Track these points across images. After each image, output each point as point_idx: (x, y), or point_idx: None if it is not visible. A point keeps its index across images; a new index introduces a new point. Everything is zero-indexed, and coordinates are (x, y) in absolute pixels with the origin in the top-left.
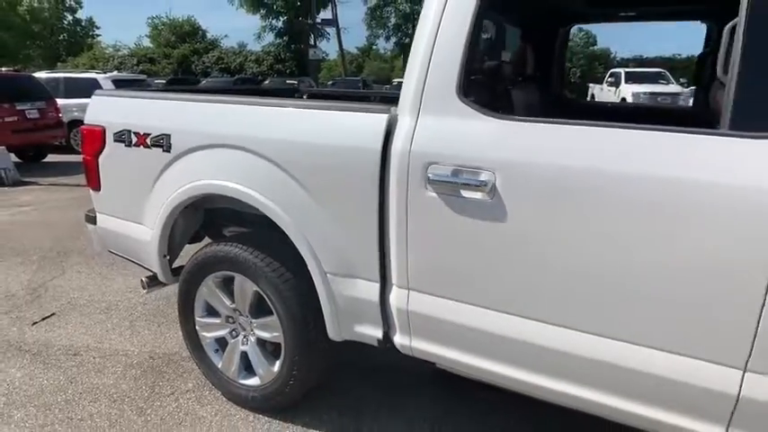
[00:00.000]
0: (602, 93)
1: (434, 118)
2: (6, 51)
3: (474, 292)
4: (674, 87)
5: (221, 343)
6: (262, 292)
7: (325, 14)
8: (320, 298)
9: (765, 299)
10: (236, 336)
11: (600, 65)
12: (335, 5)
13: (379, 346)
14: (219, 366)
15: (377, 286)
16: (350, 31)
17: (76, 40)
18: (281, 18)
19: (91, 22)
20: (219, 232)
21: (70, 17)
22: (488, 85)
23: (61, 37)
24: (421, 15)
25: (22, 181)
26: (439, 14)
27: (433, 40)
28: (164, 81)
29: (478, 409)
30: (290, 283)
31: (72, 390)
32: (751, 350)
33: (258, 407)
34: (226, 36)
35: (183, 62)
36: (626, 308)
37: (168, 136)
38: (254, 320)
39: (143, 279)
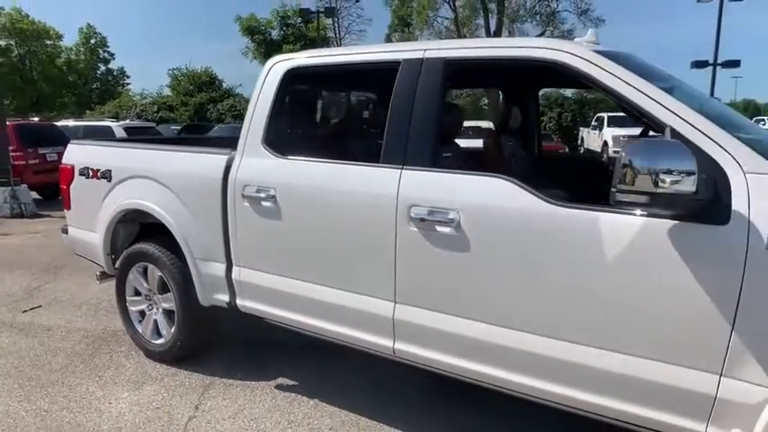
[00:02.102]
0: (589, 136)
1: (249, 158)
2: (44, 100)
3: (272, 265)
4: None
5: (142, 314)
6: (164, 276)
7: None
8: (192, 276)
9: (395, 262)
10: (151, 309)
11: (590, 109)
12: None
13: (228, 308)
14: (140, 331)
15: (224, 266)
16: None
17: (108, 89)
18: None
19: (122, 71)
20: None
21: (103, 67)
22: (282, 136)
23: (95, 86)
24: (250, 98)
25: (38, 214)
26: (256, 97)
27: (252, 112)
28: (179, 127)
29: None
30: (178, 267)
31: (41, 349)
32: (395, 289)
33: (162, 359)
34: (240, 85)
35: (199, 109)
36: (341, 266)
37: (110, 170)
38: (160, 296)
39: (97, 273)
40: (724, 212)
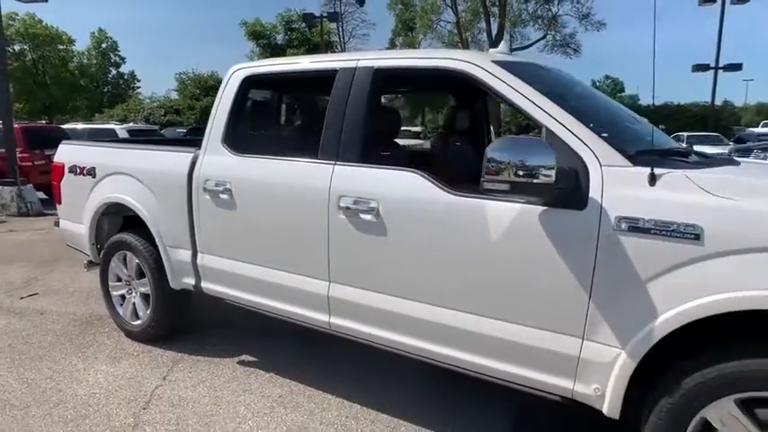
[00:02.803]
0: None
1: (211, 156)
2: (56, 103)
3: (229, 251)
4: None
5: (123, 298)
6: (140, 263)
7: None
8: (164, 262)
9: (329, 246)
10: (131, 293)
11: None
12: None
13: (195, 291)
14: (121, 314)
15: (190, 252)
16: None
17: (119, 92)
18: None
19: (132, 75)
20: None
21: (114, 71)
22: (239, 136)
23: (106, 89)
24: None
25: (43, 212)
26: (218, 101)
27: (215, 115)
28: (184, 130)
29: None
30: (152, 254)
31: (33, 330)
32: (329, 270)
33: (140, 338)
34: None
35: (205, 113)
36: (286, 251)
37: (94, 168)
38: (138, 281)
39: (84, 262)
40: (583, 199)
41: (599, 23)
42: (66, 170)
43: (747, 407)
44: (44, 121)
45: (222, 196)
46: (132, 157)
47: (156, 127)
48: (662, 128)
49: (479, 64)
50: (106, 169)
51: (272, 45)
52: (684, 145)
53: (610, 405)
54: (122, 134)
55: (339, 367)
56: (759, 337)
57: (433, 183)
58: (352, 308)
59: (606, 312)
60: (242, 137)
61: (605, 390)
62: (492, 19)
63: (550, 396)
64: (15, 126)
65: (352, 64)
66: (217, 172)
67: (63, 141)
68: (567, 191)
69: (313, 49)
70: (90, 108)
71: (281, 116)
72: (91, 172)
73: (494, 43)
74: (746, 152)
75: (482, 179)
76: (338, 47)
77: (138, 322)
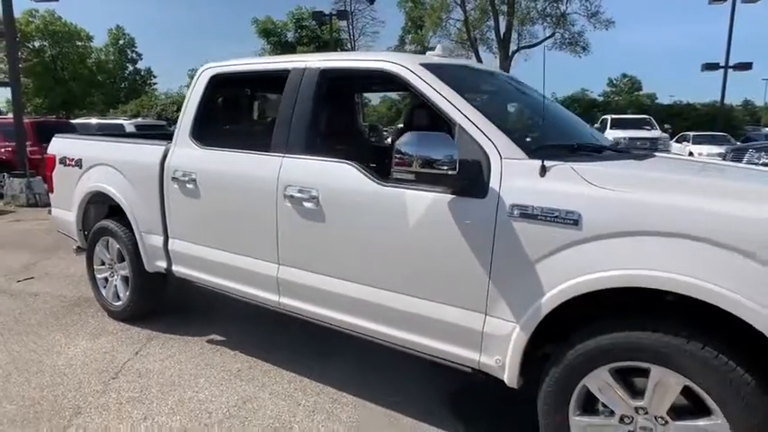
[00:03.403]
0: None
1: (180, 149)
2: (73, 99)
3: (195, 236)
4: (655, 133)
5: (106, 281)
6: (120, 247)
7: None
8: (139, 246)
9: (277, 232)
10: (113, 276)
11: (598, 111)
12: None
13: (166, 273)
14: (104, 295)
15: (162, 238)
16: None
17: (135, 88)
18: None
19: (149, 71)
20: None
21: (131, 67)
22: (205, 130)
23: (123, 85)
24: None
25: (49, 203)
26: (188, 97)
27: (185, 110)
28: None
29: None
30: (130, 240)
31: (26, 309)
32: (278, 253)
33: (120, 317)
34: None
35: None
36: (241, 236)
37: (81, 159)
38: (119, 265)
39: (74, 247)
40: (484, 189)
41: (607, 21)
42: (57, 161)
43: (623, 376)
44: (54, 117)
45: (188, 186)
46: (113, 149)
47: (164, 122)
48: (667, 127)
49: (408, 66)
50: (91, 161)
51: (282, 43)
52: (690, 144)
53: (509, 375)
54: (130, 128)
55: (300, 347)
56: (628, 313)
57: (362, 173)
58: (297, 288)
59: (503, 290)
60: (207, 131)
61: (505, 361)
62: (500, 17)
63: (463, 368)
64: (26, 120)
65: (302, 65)
66: (184, 163)
67: (56, 135)
68: (470, 181)
69: (323, 46)
70: (107, 104)
71: (244, 112)
72: (78, 163)
73: (501, 41)
74: (742, 152)
75: (392, 169)
76: (348, 44)
77: (119, 303)
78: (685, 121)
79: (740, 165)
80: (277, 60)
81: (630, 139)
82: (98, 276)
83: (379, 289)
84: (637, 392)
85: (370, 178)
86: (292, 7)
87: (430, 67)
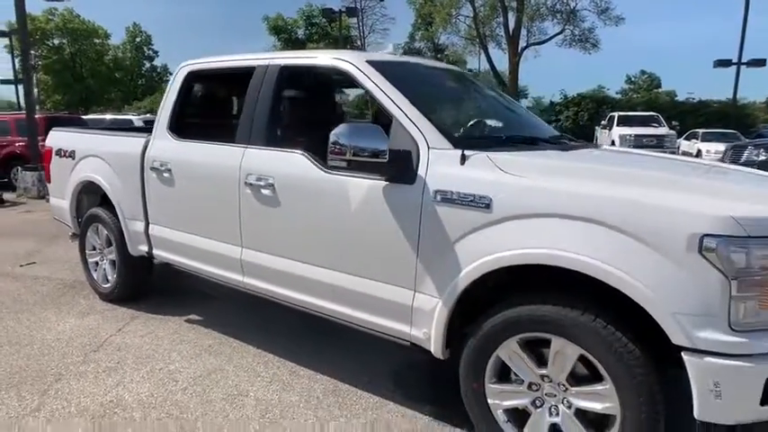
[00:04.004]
0: (601, 135)
1: (159, 141)
2: (91, 95)
3: (171, 222)
4: (662, 130)
5: (96, 264)
6: (108, 233)
7: None
8: (124, 231)
9: (240, 217)
10: (102, 260)
11: (607, 108)
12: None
13: (147, 256)
14: (95, 278)
15: (143, 223)
16: None
17: (152, 85)
18: None
19: (165, 68)
20: None
21: (148, 64)
22: (181, 123)
23: (140, 82)
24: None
25: None
26: (167, 92)
27: (163, 104)
28: None
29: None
30: (117, 226)
31: (24, 291)
32: (241, 237)
33: (109, 299)
34: None
35: None
36: (210, 221)
37: (74, 151)
38: (107, 249)
39: (69, 234)
40: (413, 176)
41: (617, 18)
42: (54, 153)
43: (531, 347)
44: (67, 113)
45: (165, 175)
46: (101, 141)
47: None
48: (675, 124)
49: (355, 63)
50: (83, 152)
51: (292, 39)
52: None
53: (435, 346)
54: (138, 123)
55: (273, 327)
56: (536, 289)
57: (311, 161)
58: (257, 269)
59: (429, 269)
60: (182, 124)
61: (431, 333)
62: (510, 13)
63: (401, 341)
64: (38, 116)
65: (265, 62)
66: (161, 154)
67: (53, 129)
68: (400, 169)
69: (332, 43)
70: (124, 100)
71: (216, 106)
72: (71, 155)
73: (510, 38)
74: (741, 149)
75: (327, 158)
76: (358, 41)
77: (108, 285)
78: (698, 118)
79: (691, 160)
80: (245, 58)
81: (636, 136)
82: (89, 260)
83: (326, 269)
84: (543, 362)
85: (317, 166)
86: (303, 4)
87: (375, 65)
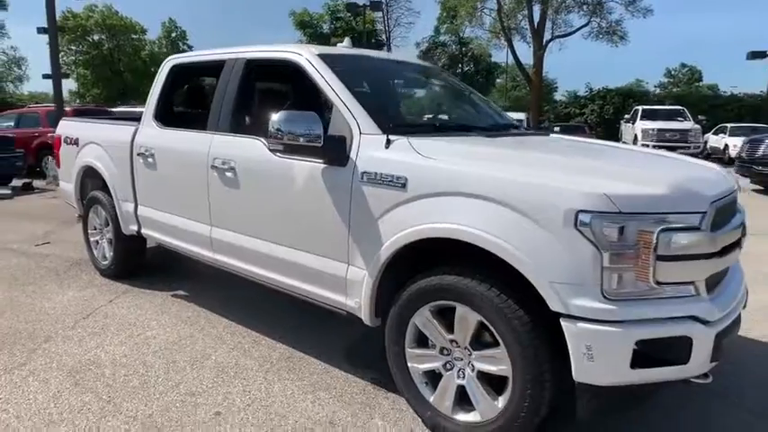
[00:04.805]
0: (625, 129)
1: (145, 128)
2: (128, 89)
3: (155, 203)
4: (687, 124)
5: (97, 243)
6: (106, 213)
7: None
8: (117, 212)
9: (209, 198)
10: (102, 239)
11: (634, 102)
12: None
13: (137, 235)
14: (96, 255)
15: (133, 204)
16: None
17: None
18: None
19: None
20: None
21: None
22: (165, 112)
23: None
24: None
25: None
26: (154, 84)
27: (150, 95)
28: None
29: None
30: (112, 206)
31: (34, 266)
32: (210, 216)
33: (107, 275)
34: None
35: None
36: (185, 202)
37: (78, 138)
38: (105, 229)
39: (75, 215)
40: (345, 159)
41: (645, 10)
42: (63, 141)
43: (442, 315)
44: (94, 105)
45: (149, 160)
46: (99, 129)
47: None
48: (701, 119)
49: (306, 56)
50: (85, 139)
51: (317, 34)
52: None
53: (365, 314)
54: None
55: (256, 303)
56: (445, 261)
57: (264, 146)
58: (224, 245)
59: (359, 243)
60: (166, 113)
61: (361, 302)
62: (535, 6)
63: (339, 311)
64: (68, 108)
65: (234, 56)
66: (146, 141)
67: (63, 118)
68: (335, 152)
69: (356, 38)
70: None
71: (196, 96)
72: (76, 142)
73: (535, 31)
74: (758, 142)
75: (268, 143)
76: (383, 35)
77: (106, 262)
78: (729, 112)
79: (634, 147)
80: (221, 52)
81: (659, 130)
82: (91, 239)
83: (278, 244)
84: (452, 329)
85: (270, 150)
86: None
87: (324, 57)
